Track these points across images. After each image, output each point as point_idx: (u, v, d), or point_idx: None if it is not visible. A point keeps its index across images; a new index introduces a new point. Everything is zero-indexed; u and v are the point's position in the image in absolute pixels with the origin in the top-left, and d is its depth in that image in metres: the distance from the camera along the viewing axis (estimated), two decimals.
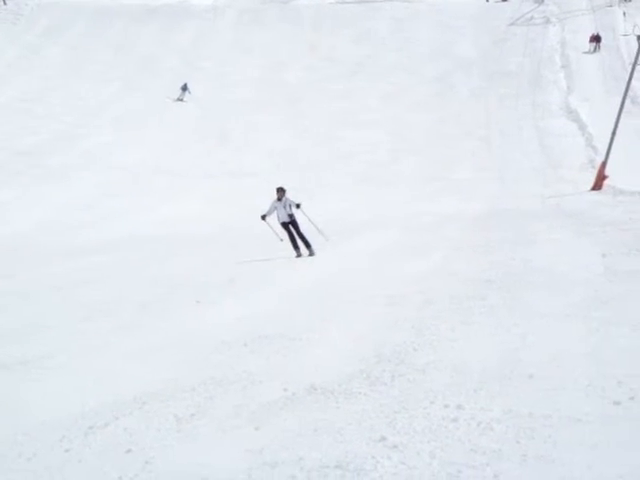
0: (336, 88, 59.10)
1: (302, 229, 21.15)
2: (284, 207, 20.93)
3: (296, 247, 20.83)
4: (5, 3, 69.71)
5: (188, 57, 64.51)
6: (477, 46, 65.44)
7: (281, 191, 21.23)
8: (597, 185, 38.01)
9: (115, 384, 9.24)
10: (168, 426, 7.67)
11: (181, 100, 54.25)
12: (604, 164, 38.04)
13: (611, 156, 37.75)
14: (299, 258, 20.55)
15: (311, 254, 20.81)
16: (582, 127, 49.84)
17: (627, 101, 38.95)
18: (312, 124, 52.71)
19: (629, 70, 40.40)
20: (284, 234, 21.34)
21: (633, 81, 38.46)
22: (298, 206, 20.89)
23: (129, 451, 7.03)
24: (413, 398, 8.05)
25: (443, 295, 13.83)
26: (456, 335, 10.78)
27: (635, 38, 57.47)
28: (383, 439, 6.94)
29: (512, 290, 13.92)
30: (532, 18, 69.21)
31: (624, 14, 67.53)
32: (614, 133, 37.53)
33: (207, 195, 39.20)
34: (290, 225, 20.98)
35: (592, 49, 62.75)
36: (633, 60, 39.73)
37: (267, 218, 21.14)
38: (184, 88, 54.75)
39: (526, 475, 6.18)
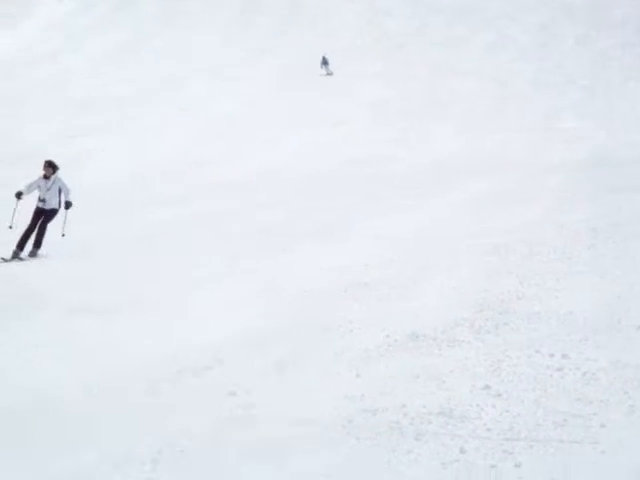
0: (438, 36, 58.27)
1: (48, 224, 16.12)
2: (47, 189, 15.96)
3: (21, 245, 15.68)
4: None
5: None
6: None
7: (49, 167, 16.09)
8: None
9: (217, 329, 9.32)
10: (270, 371, 7.70)
11: (330, 74, 52.65)
12: None
13: None
14: (33, 258, 15.63)
15: (32, 255, 15.68)
16: None
17: None
18: (413, 73, 52.08)
19: None
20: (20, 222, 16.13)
21: None
22: (68, 205, 16.04)
23: (232, 394, 7.07)
24: (517, 347, 7.93)
25: (547, 244, 13.57)
26: (561, 285, 10.58)
27: None
28: (487, 387, 6.85)
29: (619, 240, 13.59)
30: None
31: None
32: None
33: (302, 144, 39.12)
34: (42, 215, 15.94)
35: None
36: None
37: (24, 196, 16.10)
38: (324, 62, 52.96)
39: (634, 426, 6.03)
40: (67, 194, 16.03)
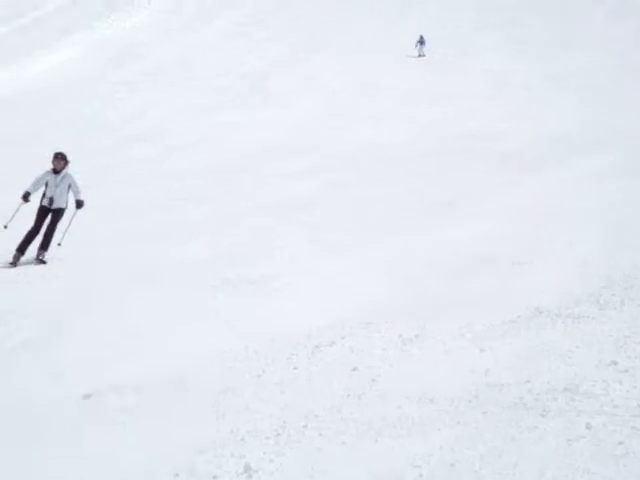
0: (553, 5, 57.13)
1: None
2: (56, 186, 13.89)
3: (22, 249, 13.55)
4: None
5: None
6: None
7: (61, 159, 13.97)
8: None
9: (339, 305, 9.41)
10: (393, 346, 7.76)
11: (423, 56, 52.36)
12: None
13: None
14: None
15: (41, 260, 13.47)
16: None
17: None
18: (528, 46, 51.16)
19: None
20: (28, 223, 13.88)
21: None
22: (80, 205, 14.01)
23: (355, 369, 7.17)
24: None
25: None
26: None
27: None
28: (614, 363, 6.77)
29: None
30: None
31: None
32: None
33: (417, 118, 38.78)
34: (50, 214, 13.85)
35: None
36: None
37: (32, 197, 13.87)
38: (421, 42, 52.68)
39: None
40: (78, 192, 13.95)
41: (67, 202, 13.80)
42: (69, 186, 13.83)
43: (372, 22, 57.40)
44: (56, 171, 13.73)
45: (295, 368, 7.39)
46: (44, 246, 13.49)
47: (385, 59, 49.68)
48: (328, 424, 6.09)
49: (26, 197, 13.59)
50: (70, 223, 13.83)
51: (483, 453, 5.48)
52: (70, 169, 13.90)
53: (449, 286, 9.89)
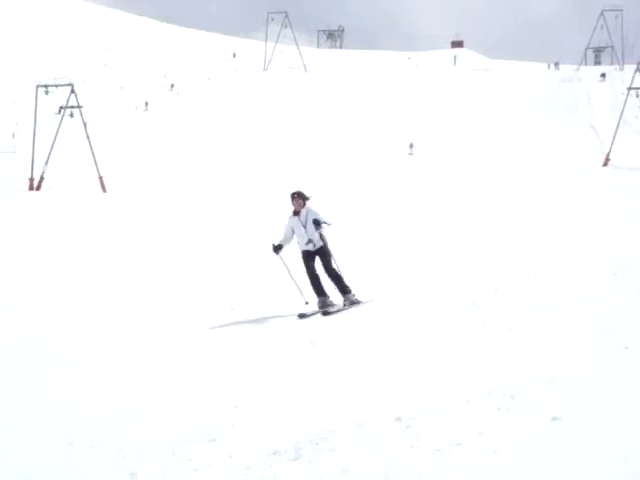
0: None
1: (334, 262, 13.30)
2: (304, 226, 12.98)
3: (320, 292, 13.07)
4: None
5: None
6: None
7: (299, 198, 13.08)
8: None
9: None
10: None
11: None
12: None
13: None
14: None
15: (349, 302, 13.08)
16: None
17: None
18: None
19: None
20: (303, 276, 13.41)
21: None
22: (317, 225, 12.96)
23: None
24: None
25: None
26: None
27: None
28: None
29: None
30: None
31: None
32: None
33: None
34: (316, 256, 13.13)
35: None
36: None
37: (284, 249, 13.45)
38: None
39: None
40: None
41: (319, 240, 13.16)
42: (312, 222, 12.99)
43: None
44: (296, 213, 13.15)
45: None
46: (341, 288, 13.14)
47: None
48: None
49: (277, 249, 13.29)
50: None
51: None
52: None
53: None
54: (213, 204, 27.41)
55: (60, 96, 45.83)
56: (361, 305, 12.89)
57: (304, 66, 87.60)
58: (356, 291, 13.13)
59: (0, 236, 22.59)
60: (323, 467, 6.36)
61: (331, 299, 13.03)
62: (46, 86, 46.49)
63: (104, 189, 37.97)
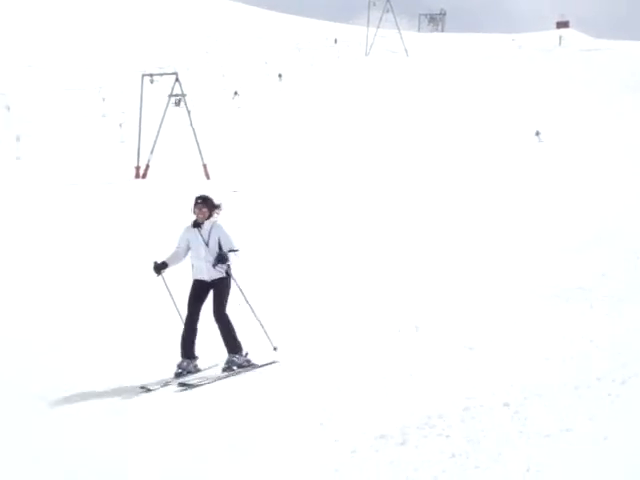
0: None
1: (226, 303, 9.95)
2: (206, 243, 9.91)
3: (189, 353, 9.91)
4: None
5: None
6: None
7: (203, 205, 9.97)
8: None
9: None
10: None
11: None
12: None
13: None
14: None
15: (235, 365, 9.70)
16: None
17: None
18: None
19: None
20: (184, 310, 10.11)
21: None
22: (221, 261, 9.78)
23: None
24: None
25: None
26: None
27: None
28: None
29: None
30: None
31: None
32: None
33: None
34: (210, 291, 10.01)
35: None
36: None
37: (167, 268, 10.12)
38: None
39: None
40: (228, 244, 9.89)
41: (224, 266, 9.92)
42: (217, 241, 9.89)
43: None
44: (197, 224, 10.01)
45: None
46: (231, 347, 9.82)
47: None
48: None
49: (159, 268, 10.05)
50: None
51: None
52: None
53: None
54: (322, 195, 27.51)
55: (165, 85, 46.60)
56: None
57: (405, 50, 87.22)
58: (250, 350, 9.74)
59: (108, 223, 23.10)
60: (430, 452, 6.35)
61: (197, 364, 9.86)
62: (151, 75, 47.27)
63: (208, 176, 38.42)
